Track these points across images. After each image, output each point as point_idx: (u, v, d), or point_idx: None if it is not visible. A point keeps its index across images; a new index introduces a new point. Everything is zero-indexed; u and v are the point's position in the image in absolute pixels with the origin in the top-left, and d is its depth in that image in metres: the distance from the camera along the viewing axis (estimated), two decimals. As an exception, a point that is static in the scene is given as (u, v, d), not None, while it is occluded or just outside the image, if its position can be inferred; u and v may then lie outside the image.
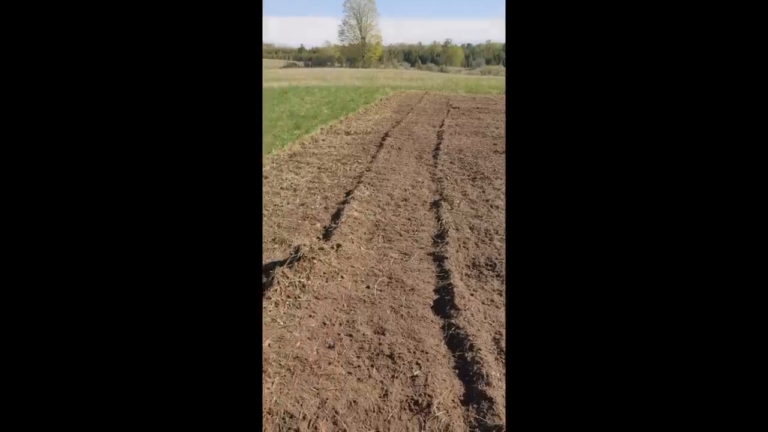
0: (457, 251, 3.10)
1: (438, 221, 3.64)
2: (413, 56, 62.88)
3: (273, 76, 26.12)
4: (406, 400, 1.75)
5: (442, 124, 8.46)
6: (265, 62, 52.34)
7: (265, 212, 3.83)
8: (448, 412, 1.68)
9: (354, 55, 54.17)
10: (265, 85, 17.97)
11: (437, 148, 6.38)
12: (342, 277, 2.74)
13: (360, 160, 5.71)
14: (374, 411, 1.70)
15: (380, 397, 1.77)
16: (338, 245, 3.02)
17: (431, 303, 2.47)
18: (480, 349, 1.98)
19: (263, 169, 5.17)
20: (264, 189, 4.42)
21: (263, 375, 1.85)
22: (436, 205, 4.04)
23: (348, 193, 4.33)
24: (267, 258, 2.98)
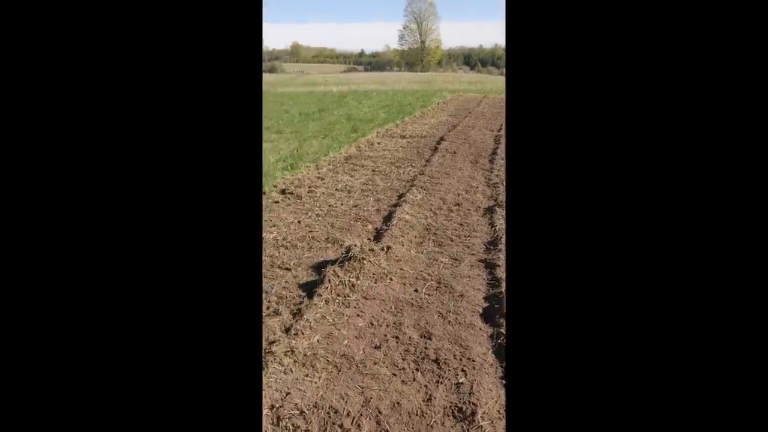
0: (510, 259, 3.02)
1: (491, 227, 3.56)
2: (473, 59, 61.99)
3: (333, 80, 26.80)
4: (450, 407, 1.73)
5: (500, 128, 8.27)
6: (326, 67, 53.93)
7: (319, 212, 3.95)
8: (492, 422, 1.64)
9: (413, 59, 54.35)
10: (324, 89, 18.52)
11: (494, 153, 6.24)
12: (391, 279, 2.76)
13: (414, 164, 5.72)
14: (417, 414, 1.70)
15: (424, 401, 1.76)
16: (388, 247, 3.05)
17: (480, 310, 2.42)
18: (529, 361, 1.92)
19: (320, 170, 5.33)
20: (320, 190, 4.56)
21: (312, 369, 1.91)
22: (490, 210, 3.95)
23: (400, 196, 4.36)
24: (319, 257, 3.07)
